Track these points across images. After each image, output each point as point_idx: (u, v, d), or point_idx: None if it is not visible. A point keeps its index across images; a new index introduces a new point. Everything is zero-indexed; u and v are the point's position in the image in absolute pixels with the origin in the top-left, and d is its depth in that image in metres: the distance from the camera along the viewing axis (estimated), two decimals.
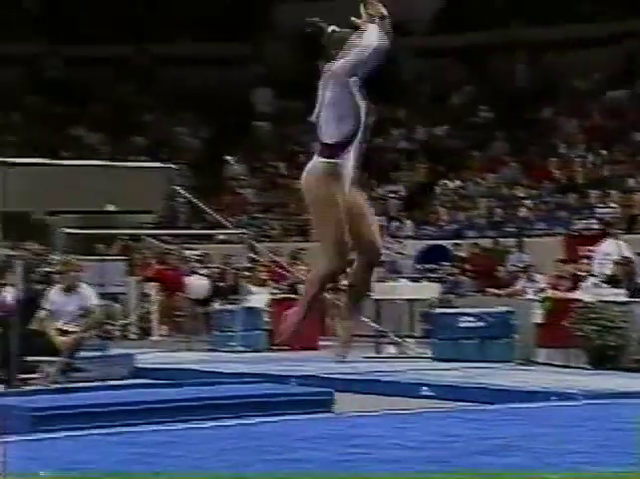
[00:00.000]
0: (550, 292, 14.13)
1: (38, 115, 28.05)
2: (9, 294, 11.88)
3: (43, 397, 9.35)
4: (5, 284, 12.10)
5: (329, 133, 5.98)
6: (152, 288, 18.74)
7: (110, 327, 16.62)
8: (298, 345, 15.75)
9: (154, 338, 18.16)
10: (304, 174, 6.09)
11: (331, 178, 5.99)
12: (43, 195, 19.94)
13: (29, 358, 10.91)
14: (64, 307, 11.23)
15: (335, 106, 5.96)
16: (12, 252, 14.98)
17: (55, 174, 18.61)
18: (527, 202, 21.73)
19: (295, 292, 17.33)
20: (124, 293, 18.03)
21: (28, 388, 10.67)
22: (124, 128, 27.41)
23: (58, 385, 10.69)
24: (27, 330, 11.20)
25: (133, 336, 18.23)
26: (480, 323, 14.06)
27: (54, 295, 11.37)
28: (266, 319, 16.11)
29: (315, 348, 15.85)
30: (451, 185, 23.33)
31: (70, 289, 11.29)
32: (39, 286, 14.00)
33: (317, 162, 6.04)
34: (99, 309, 11.67)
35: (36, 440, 7.16)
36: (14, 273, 12.15)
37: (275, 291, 17.12)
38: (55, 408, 8.53)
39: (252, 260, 17.25)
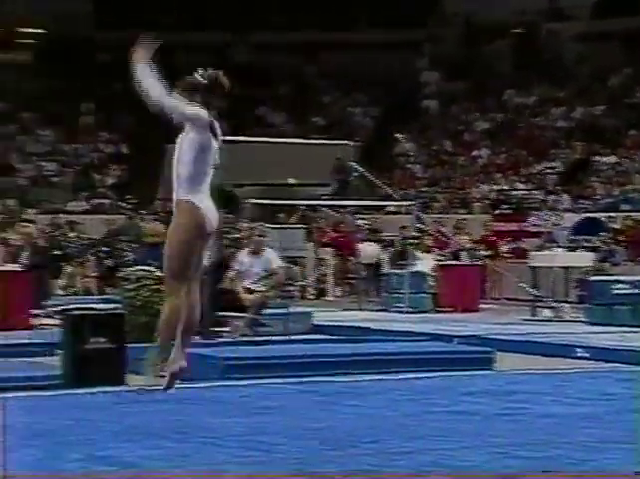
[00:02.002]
0: None
1: (227, 96, 28.60)
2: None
3: (232, 349, 9.56)
4: None
5: None
6: (327, 254, 18.94)
7: (290, 288, 16.89)
8: (460, 308, 15.70)
9: (329, 299, 18.35)
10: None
11: None
12: (232, 168, 20.26)
13: (220, 314, 11.17)
14: (251, 269, 11.44)
15: None
16: None
17: (244, 149, 18.91)
18: None
19: (457, 259, 17.25)
20: (303, 258, 18.25)
21: (220, 340, 10.95)
22: (304, 108, 27.69)
23: (245, 338, 10.94)
24: (219, 289, 11.47)
25: (310, 297, 18.47)
26: (634, 291, 13.71)
27: (242, 258, 11.59)
28: (431, 284, 16.06)
29: (476, 311, 15.75)
30: (606, 160, 22.78)
31: (256, 253, 11.50)
32: (229, 250, 14.34)
33: None
34: (281, 272, 11.83)
35: (227, 386, 7.35)
36: None
37: (439, 258, 17.06)
38: (243, 359, 8.70)
39: (419, 230, 17.22)
